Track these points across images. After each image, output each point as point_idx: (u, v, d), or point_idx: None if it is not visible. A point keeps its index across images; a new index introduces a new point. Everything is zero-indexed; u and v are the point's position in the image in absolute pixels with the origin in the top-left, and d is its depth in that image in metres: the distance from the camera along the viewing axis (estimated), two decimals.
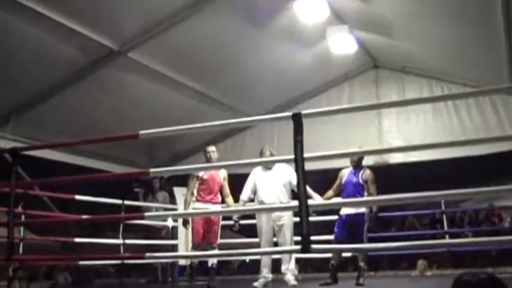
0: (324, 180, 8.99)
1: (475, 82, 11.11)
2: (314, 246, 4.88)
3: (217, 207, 9.00)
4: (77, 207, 10.04)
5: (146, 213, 7.79)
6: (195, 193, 8.97)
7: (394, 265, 14.60)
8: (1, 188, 6.65)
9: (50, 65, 9.40)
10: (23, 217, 8.95)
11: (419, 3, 9.62)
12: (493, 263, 12.57)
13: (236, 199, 8.96)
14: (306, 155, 4.74)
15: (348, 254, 9.51)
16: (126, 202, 11.00)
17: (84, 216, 8.59)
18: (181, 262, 12.45)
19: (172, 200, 12.29)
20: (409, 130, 12.06)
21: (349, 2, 9.93)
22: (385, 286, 8.70)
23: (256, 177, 8.85)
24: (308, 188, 6.08)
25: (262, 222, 8.73)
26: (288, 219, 8.65)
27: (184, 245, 11.48)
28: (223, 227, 9.47)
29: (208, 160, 8.92)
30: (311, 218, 4.92)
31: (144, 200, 12.40)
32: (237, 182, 9.13)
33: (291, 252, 8.36)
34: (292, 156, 4.81)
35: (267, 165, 8.79)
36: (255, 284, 8.66)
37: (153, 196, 12.45)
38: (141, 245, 11.65)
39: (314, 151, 5.25)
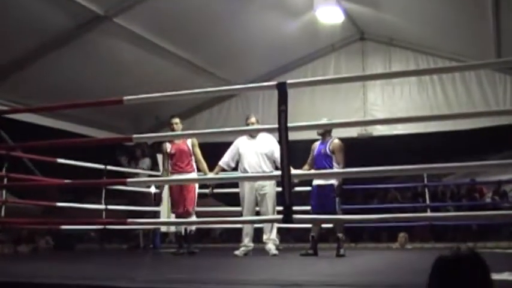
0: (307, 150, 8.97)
1: (461, 57, 11.13)
2: (296, 216, 4.90)
3: (193, 175, 9.06)
4: (60, 173, 10.00)
5: (128, 180, 7.78)
6: (170, 168, 9.09)
7: (375, 237, 14.67)
8: None
9: (35, 28, 9.29)
10: (5, 180, 8.91)
11: None
12: (474, 238, 12.67)
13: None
14: (289, 124, 4.74)
15: (328, 225, 9.54)
16: (109, 167, 10.97)
17: (66, 181, 8.58)
18: (163, 229, 12.48)
19: (156, 167, 12.27)
20: (394, 103, 12.08)
21: None
22: (366, 258, 8.74)
23: (240, 146, 8.86)
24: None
25: (245, 191, 8.76)
26: (270, 189, 8.68)
27: (166, 213, 11.48)
28: (203, 195, 9.48)
29: (172, 131, 8.97)
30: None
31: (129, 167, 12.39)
32: (221, 150, 9.13)
33: (272, 221, 8.40)
34: (276, 126, 4.80)
35: (252, 134, 8.79)
36: (236, 252, 8.70)
37: (136, 163, 12.42)
38: (124, 211, 11.64)
39: (299, 122, 5.25)
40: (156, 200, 11.74)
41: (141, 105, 10.62)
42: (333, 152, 8.37)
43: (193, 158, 9.07)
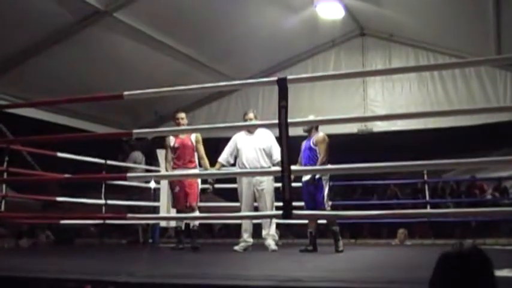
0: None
1: (461, 53, 11.11)
2: (295, 212, 4.90)
3: (195, 171, 9.04)
4: (60, 167, 10.00)
5: (128, 174, 7.78)
6: (172, 163, 9.10)
7: (374, 233, 14.68)
8: None
9: (35, 23, 9.26)
10: (5, 174, 8.91)
11: None
12: (473, 235, 12.68)
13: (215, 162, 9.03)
14: (289, 120, 4.74)
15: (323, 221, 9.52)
16: (109, 162, 10.96)
17: (66, 175, 8.59)
18: (162, 224, 12.48)
19: (154, 161, 12.25)
20: (394, 99, 12.06)
21: None
22: (365, 254, 8.76)
23: (238, 141, 8.88)
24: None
25: (243, 186, 8.78)
26: (268, 184, 8.70)
27: (166, 207, 11.48)
28: (203, 190, 9.48)
29: (177, 126, 8.97)
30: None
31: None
32: (219, 145, 9.14)
33: (271, 217, 8.41)
34: (276, 121, 4.80)
35: (250, 129, 8.80)
36: (236, 247, 8.73)
37: (124, 159, 12.37)
38: (124, 206, 11.63)
39: (298, 118, 5.25)
40: (155, 195, 11.77)
41: (140, 100, 10.59)
42: (315, 144, 8.36)
43: (196, 154, 9.07)
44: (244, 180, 8.76)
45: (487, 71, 11.41)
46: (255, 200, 8.83)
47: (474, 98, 11.40)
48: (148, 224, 12.27)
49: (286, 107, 4.73)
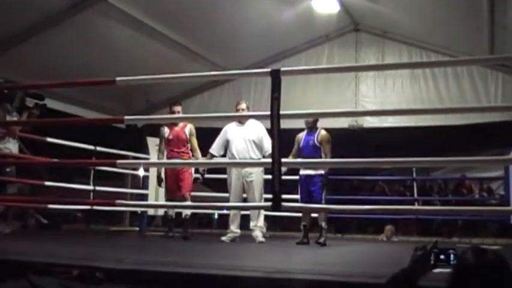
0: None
1: (454, 52, 11.16)
2: (284, 204, 4.92)
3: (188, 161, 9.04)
4: (49, 152, 9.96)
5: (118, 161, 7.76)
6: (166, 152, 9.12)
7: (361, 229, 14.70)
8: None
9: (27, 7, 9.23)
10: None
11: None
12: (459, 233, 12.75)
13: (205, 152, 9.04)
14: (282, 112, 4.75)
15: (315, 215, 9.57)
16: (99, 148, 10.93)
17: (56, 160, 8.56)
18: (150, 212, 12.47)
19: (145, 149, 12.22)
20: (386, 96, 12.11)
21: None
22: (353, 249, 8.79)
23: (229, 131, 8.87)
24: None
25: (232, 177, 8.78)
26: (257, 176, 8.70)
27: (154, 196, 11.47)
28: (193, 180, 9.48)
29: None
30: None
31: None
32: (211, 136, 9.14)
33: (260, 208, 8.43)
34: (268, 113, 4.81)
35: (241, 120, 8.80)
36: (223, 238, 8.74)
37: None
38: (112, 193, 11.60)
39: (290, 110, 5.26)
40: (144, 182, 11.76)
41: (132, 88, 10.60)
42: (320, 142, 8.43)
43: (189, 146, 9.07)
44: (234, 171, 8.77)
45: (478, 71, 11.47)
46: (244, 192, 8.84)
47: (465, 97, 11.47)
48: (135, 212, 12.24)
49: (279, 99, 4.74)
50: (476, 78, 11.52)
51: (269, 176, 5.10)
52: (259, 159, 8.62)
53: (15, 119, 8.96)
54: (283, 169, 5.40)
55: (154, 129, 10.57)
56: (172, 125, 9.11)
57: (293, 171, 8.77)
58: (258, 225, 8.69)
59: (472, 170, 15.29)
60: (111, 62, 10.65)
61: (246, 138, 8.73)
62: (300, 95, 11.74)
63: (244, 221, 9.05)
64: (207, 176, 9.14)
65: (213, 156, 9.00)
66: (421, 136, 12.59)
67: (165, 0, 9.92)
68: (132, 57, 10.94)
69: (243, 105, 8.79)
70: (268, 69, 5.00)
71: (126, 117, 7.56)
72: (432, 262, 2.71)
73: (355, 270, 4.72)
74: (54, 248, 6.43)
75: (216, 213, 15.58)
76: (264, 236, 8.74)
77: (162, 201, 9.93)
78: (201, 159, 8.97)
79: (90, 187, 10.58)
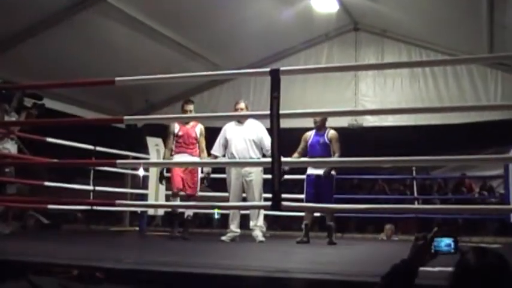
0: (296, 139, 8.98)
1: (454, 51, 11.17)
2: (284, 203, 4.91)
3: (196, 159, 9.03)
4: (48, 152, 9.96)
5: (118, 161, 7.76)
6: (173, 148, 9.05)
7: (361, 228, 14.69)
8: None
9: (27, 7, 9.22)
10: None
11: None
12: (459, 232, 12.72)
13: (208, 153, 9.03)
14: (281, 111, 4.74)
15: (318, 214, 9.61)
16: (99, 148, 10.93)
17: (56, 160, 8.56)
18: (150, 212, 12.46)
19: (145, 149, 12.21)
20: (385, 95, 12.11)
21: None
22: (353, 248, 8.79)
23: (228, 131, 8.84)
24: None
25: (231, 177, 8.76)
26: (256, 176, 8.68)
27: (153, 196, 11.47)
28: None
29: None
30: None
31: None
32: (209, 135, 9.14)
33: (260, 207, 8.42)
34: (267, 112, 4.80)
35: (240, 120, 8.79)
36: (223, 238, 8.73)
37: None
38: (112, 193, 11.60)
39: (289, 110, 5.25)
40: (144, 182, 11.75)
41: (132, 88, 10.60)
42: (330, 140, 8.50)
43: (197, 145, 9.06)
44: (233, 170, 8.75)
45: (478, 69, 11.47)
46: (244, 191, 8.84)
47: (465, 96, 11.47)
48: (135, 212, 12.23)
49: (278, 98, 4.73)
50: (475, 77, 11.52)
51: (269, 176, 5.09)
52: (259, 158, 8.61)
53: (13, 119, 8.95)
54: (285, 168, 5.40)
55: (154, 129, 10.57)
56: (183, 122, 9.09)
57: (293, 170, 8.78)
58: (258, 225, 8.68)
59: (471, 168, 15.27)
60: (111, 62, 10.65)
61: (245, 138, 8.71)
62: (300, 94, 11.74)
63: (244, 221, 9.05)
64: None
65: (216, 157, 8.98)
66: (420, 135, 12.58)
67: (165, 0, 9.91)
68: (131, 57, 10.93)
69: (242, 105, 8.78)
70: (268, 69, 4.99)
71: (126, 117, 7.56)
72: (433, 251, 2.71)
73: (355, 269, 4.73)
74: (54, 248, 6.43)
75: (216, 213, 15.53)
76: (264, 236, 8.73)
77: (162, 201, 9.91)
78: (206, 159, 8.95)
79: (90, 187, 10.57)
